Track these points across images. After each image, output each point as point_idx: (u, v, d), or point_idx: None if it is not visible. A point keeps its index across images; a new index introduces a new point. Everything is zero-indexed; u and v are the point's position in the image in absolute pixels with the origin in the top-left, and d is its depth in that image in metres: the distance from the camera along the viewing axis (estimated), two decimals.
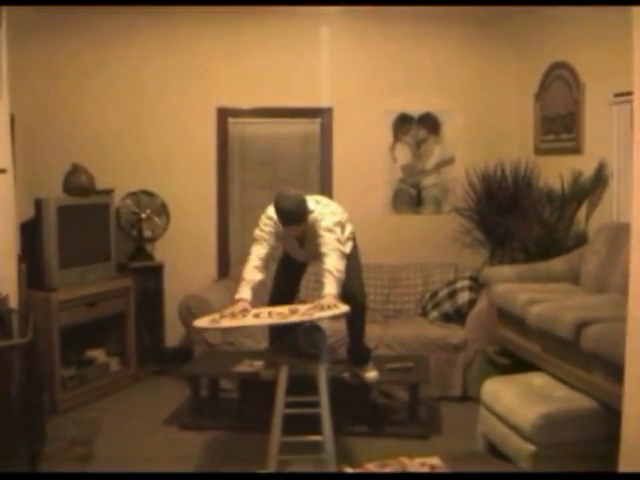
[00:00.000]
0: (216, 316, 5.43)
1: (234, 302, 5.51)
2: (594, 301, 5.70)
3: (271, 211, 5.63)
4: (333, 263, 5.42)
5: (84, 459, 5.74)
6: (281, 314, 5.38)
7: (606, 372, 4.80)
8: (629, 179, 6.35)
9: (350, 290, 5.64)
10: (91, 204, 7.47)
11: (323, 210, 5.65)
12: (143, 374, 7.75)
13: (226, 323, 5.37)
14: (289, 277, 6.09)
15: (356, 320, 5.96)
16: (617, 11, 6.06)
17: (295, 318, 5.28)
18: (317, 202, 5.73)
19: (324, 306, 5.22)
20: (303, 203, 5.55)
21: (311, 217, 5.60)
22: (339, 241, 5.56)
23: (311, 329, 5.29)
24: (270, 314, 5.45)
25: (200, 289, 7.69)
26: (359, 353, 6.19)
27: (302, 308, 5.50)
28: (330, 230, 5.55)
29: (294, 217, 5.49)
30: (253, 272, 5.54)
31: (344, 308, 5.25)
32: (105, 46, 8.09)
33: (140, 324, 7.83)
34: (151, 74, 8.19)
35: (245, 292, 5.48)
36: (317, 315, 5.22)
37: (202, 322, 5.49)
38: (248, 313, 5.40)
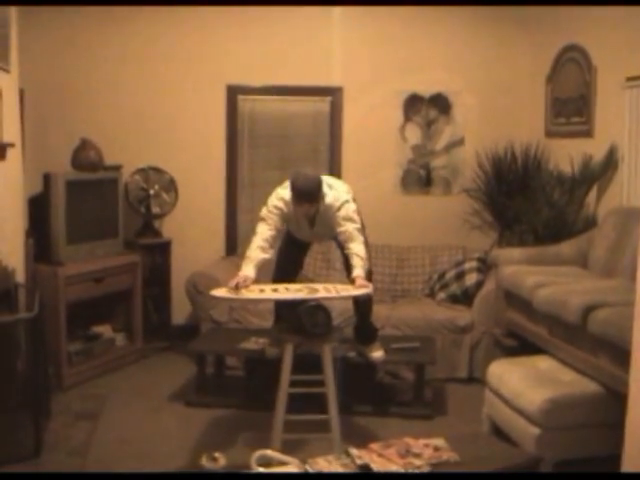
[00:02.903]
0: (229, 289, 5.40)
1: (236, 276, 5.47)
2: (602, 285, 5.68)
3: (282, 192, 5.65)
4: (359, 248, 5.49)
5: (89, 434, 5.76)
6: (300, 291, 5.41)
7: (613, 356, 4.78)
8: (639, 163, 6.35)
9: (348, 268, 5.64)
10: (99, 179, 7.46)
11: (339, 196, 5.66)
12: (149, 350, 7.77)
13: (245, 295, 5.35)
14: (293, 255, 6.08)
15: (366, 303, 6.00)
16: None
17: (319, 295, 5.34)
18: (330, 186, 5.71)
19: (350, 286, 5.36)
20: (320, 182, 5.58)
21: (325, 201, 5.61)
22: (359, 230, 5.59)
23: (314, 308, 5.28)
24: (287, 290, 5.47)
25: (207, 266, 7.70)
26: (366, 332, 6.20)
27: (320, 287, 5.52)
28: (351, 219, 5.58)
29: (310, 195, 5.50)
30: (257, 251, 5.51)
31: (367, 289, 5.31)
32: (115, 23, 8.06)
33: (147, 300, 7.86)
34: (161, 51, 8.16)
35: (248, 269, 5.43)
36: (343, 294, 5.36)
37: (219, 292, 5.46)
38: (252, 287, 5.40)
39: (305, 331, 5.22)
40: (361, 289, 5.30)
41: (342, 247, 5.67)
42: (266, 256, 5.54)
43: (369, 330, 6.21)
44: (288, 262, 6.02)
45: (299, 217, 5.73)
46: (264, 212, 5.66)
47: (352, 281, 5.40)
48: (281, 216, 5.63)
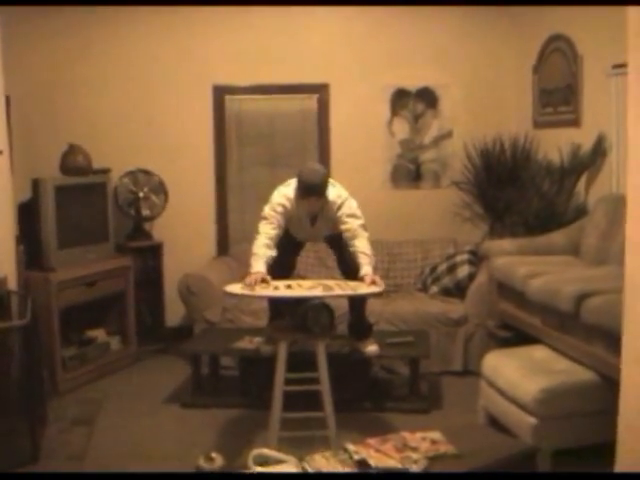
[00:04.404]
0: (243, 286, 5.41)
1: (250, 274, 5.44)
2: (594, 273, 5.69)
3: (286, 190, 5.71)
4: (364, 245, 5.58)
5: (86, 439, 5.74)
6: (314, 288, 5.45)
7: (607, 344, 4.79)
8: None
9: (353, 265, 5.65)
10: (88, 184, 7.45)
11: (340, 193, 5.73)
12: (144, 353, 7.75)
13: (260, 291, 5.37)
14: (287, 256, 6.04)
15: (361, 301, 6.06)
16: None
17: (334, 292, 5.39)
18: (332, 184, 5.77)
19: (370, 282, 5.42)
20: (327, 175, 5.73)
21: (329, 197, 5.67)
22: (364, 227, 5.66)
23: (321, 306, 5.28)
24: (301, 287, 5.51)
25: (199, 267, 7.70)
26: (361, 327, 6.21)
27: (334, 284, 5.56)
28: (354, 216, 5.67)
29: (318, 188, 5.56)
30: (263, 249, 5.52)
31: (379, 287, 5.40)
32: (99, 26, 8.05)
33: (140, 303, 7.84)
34: (147, 53, 8.15)
35: (259, 265, 5.44)
36: (359, 291, 5.44)
37: (234, 288, 5.48)
38: (269, 284, 5.42)
39: (307, 328, 5.22)
40: (374, 287, 5.38)
41: (345, 245, 5.69)
42: (272, 253, 5.55)
43: (364, 326, 6.22)
44: (282, 263, 5.99)
45: (301, 214, 5.76)
46: (267, 211, 5.68)
47: (361, 279, 5.46)
48: (284, 214, 5.65)
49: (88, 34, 8.05)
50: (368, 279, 5.40)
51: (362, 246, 5.56)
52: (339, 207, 5.66)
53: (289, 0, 7.79)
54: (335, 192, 5.71)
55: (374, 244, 7.65)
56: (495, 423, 5.50)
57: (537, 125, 7.93)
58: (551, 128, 7.64)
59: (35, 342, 5.69)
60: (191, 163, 8.26)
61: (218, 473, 3.93)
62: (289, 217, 5.71)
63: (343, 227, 5.65)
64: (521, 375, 5.23)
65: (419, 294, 7.71)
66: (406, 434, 4.16)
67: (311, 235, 6.06)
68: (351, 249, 5.61)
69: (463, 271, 7.48)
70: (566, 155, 7.04)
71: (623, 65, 6.22)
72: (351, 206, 5.69)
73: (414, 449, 3.96)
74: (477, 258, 7.50)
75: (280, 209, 5.63)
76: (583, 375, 5.08)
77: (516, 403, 5.17)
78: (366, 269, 5.45)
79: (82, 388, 6.90)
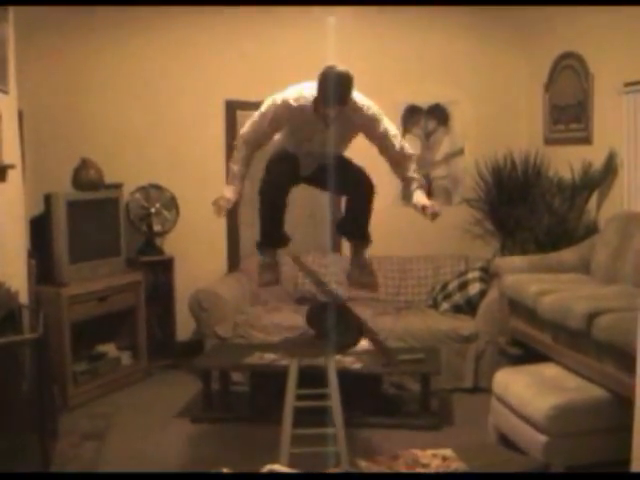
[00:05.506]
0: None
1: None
2: (605, 291, 5.68)
3: (304, 88, 5.11)
4: (415, 168, 5.18)
5: (96, 454, 5.75)
6: None
7: (618, 362, 4.78)
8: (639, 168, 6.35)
9: (357, 174, 5.52)
10: (100, 199, 7.47)
11: (370, 103, 5.06)
12: (154, 368, 7.75)
13: None
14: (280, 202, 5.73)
15: (361, 200, 5.59)
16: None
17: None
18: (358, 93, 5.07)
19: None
20: (353, 78, 4.93)
21: (357, 101, 5.01)
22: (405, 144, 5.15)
23: (356, 326, 5.31)
24: None
25: (211, 283, 7.70)
26: (356, 229, 5.58)
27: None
28: (395, 136, 5.14)
29: (343, 92, 4.83)
30: (240, 166, 5.59)
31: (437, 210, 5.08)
32: (112, 42, 8.09)
33: (151, 318, 7.84)
34: (158, 68, 8.18)
35: (230, 191, 5.54)
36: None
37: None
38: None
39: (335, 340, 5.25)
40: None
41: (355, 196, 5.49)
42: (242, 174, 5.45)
43: (360, 229, 5.58)
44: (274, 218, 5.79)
45: (313, 119, 5.04)
46: (265, 106, 5.30)
47: (414, 206, 5.24)
48: (285, 114, 5.12)
49: (101, 49, 8.09)
50: (429, 209, 5.07)
51: (413, 170, 5.18)
52: (373, 117, 5.01)
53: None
54: (366, 101, 5.04)
55: (385, 260, 7.77)
56: (506, 440, 5.50)
57: (548, 142, 7.93)
58: (562, 145, 7.64)
59: (46, 356, 5.70)
60: (203, 178, 8.25)
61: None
62: (295, 125, 5.16)
63: (391, 152, 5.13)
64: (532, 392, 5.22)
65: (430, 311, 7.70)
66: (417, 451, 4.16)
67: (322, 144, 5.24)
68: (399, 172, 5.27)
69: (474, 288, 7.48)
70: (577, 172, 7.04)
71: (635, 83, 6.26)
72: (389, 123, 5.07)
73: (425, 466, 3.95)
74: (488, 275, 7.48)
75: (283, 106, 5.08)
76: (594, 393, 5.08)
77: (527, 420, 5.16)
78: (421, 197, 5.16)
79: (93, 403, 6.91)
